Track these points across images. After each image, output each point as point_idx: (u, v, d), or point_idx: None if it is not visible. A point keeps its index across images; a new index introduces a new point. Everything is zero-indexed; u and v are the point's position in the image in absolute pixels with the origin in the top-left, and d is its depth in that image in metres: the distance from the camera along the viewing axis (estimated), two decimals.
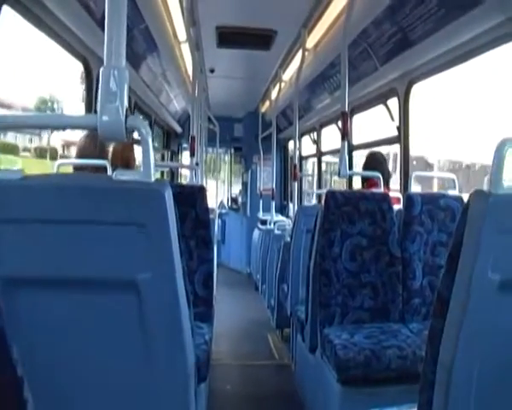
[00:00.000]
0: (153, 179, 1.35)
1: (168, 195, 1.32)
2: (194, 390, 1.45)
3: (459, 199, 3.35)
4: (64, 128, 1.55)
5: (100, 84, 1.33)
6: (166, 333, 1.36)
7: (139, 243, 1.31)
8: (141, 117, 6.72)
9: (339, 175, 3.69)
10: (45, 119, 1.56)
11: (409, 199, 3.35)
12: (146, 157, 1.35)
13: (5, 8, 2.56)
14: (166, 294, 1.34)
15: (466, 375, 1.42)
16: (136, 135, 1.51)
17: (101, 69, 1.33)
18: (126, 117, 1.32)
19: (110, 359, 1.39)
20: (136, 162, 3.01)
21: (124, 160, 2.76)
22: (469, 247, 1.41)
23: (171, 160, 9.54)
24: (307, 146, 8.56)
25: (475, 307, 1.40)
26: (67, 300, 1.36)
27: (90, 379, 1.39)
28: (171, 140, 9.45)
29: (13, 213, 1.32)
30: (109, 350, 1.38)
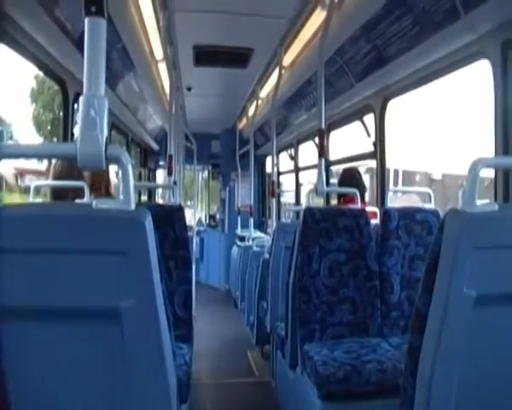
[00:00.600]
0: (133, 207, 1.35)
1: (148, 222, 1.33)
2: None
3: (435, 213, 3.40)
4: (43, 157, 1.54)
5: (79, 113, 1.33)
6: (148, 358, 1.36)
7: (120, 271, 1.31)
8: (118, 136, 6.72)
9: (316, 192, 3.72)
10: (23, 148, 1.55)
11: (385, 214, 3.39)
12: (126, 185, 1.35)
13: None
14: (148, 320, 1.34)
15: (445, 390, 1.44)
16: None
17: (81, 98, 1.33)
18: (106, 146, 1.32)
19: (93, 385, 1.38)
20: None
21: (105, 182, 2.77)
22: (445, 264, 1.44)
23: (149, 177, 9.52)
24: (286, 162, 8.60)
25: (452, 323, 1.42)
26: (49, 329, 1.35)
27: (74, 406, 1.38)
28: (148, 158, 9.43)
29: None
30: (92, 377, 1.38)
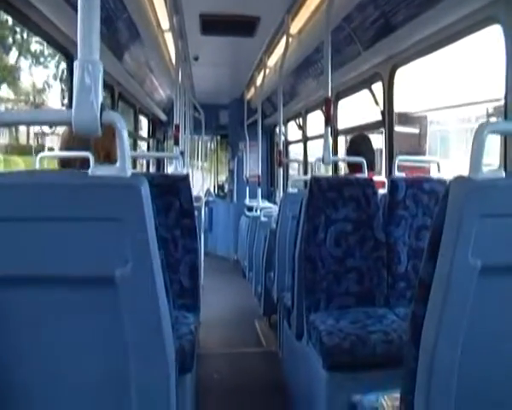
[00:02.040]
0: (129, 173, 1.33)
1: (145, 189, 1.31)
2: (176, 383, 1.44)
3: (443, 183, 3.35)
4: (39, 124, 1.53)
5: (74, 79, 1.31)
6: (145, 326, 1.35)
7: (116, 239, 1.30)
8: (125, 106, 6.70)
9: (323, 161, 3.69)
10: (20, 115, 1.54)
11: (393, 183, 3.35)
12: (122, 151, 1.33)
13: None
14: (145, 289, 1.33)
15: (448, 361, 1.42)
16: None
17: (75, 63, 1.31)
18: (102, 111, 1.30)
19: (88, 354, 1.38)
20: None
21: (104, 150, 2.74)
22: (449, 233, 1.41)
23: (157, 148, 9.52)
24: (295, 131, 8.54)
25: (456, 293, 1.40)
26: (45, 297, 1.35)
27: (68, 374, 1.38)
28: (156, 129, 9.43)
29: None
30: (87, 345, 1.38)
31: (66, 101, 4.00)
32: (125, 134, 1.33)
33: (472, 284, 1.40)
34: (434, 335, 1.42)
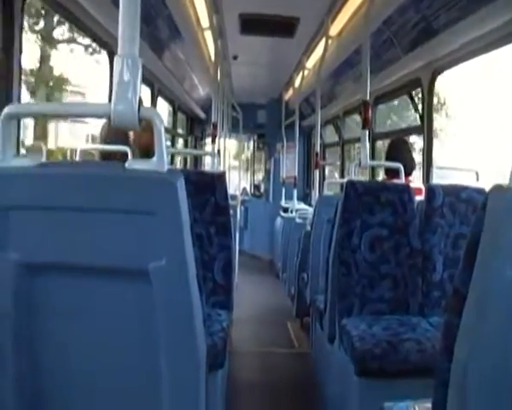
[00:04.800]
0: (166, 168, 1.35)
1: (180, 184, 1.32)
2: (206, 379, 1.45)
3: (482, 192, 3.29)
4: (78, 116, 1.57)
5: (114, 74, 1.34)
6: (177, 321, 1.36)
7: (151, 232, 1.32)
8: (164, 103, 6.77)
9: (359, 165, 3.66)
10: (62, 107, 1.58)
11: (430, 191, 3.30)
12: (159, 147, 1.35)
13: None
14: (178, 283, 1.34)
15: (482, 374, 1.40)
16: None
17: (115, 58, 1.34)
18: (140, 106, 1.32)
19: (120, 345, 1.40)
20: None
21: (144, 145, 2.78)
22: (487, 243, 1.38)
23: (195, 145, 9.59)
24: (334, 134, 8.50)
25: (493, 306, 1.37)
26: (80, 286, 1.38)
27: (99, 364, 1.41)
28: (194, 126, 9.50)
29: (28, 199, 1.34)
30: (119, 337, 1.40)
31: None
32: (163, 130, 1.35)
33: (509, 297, 1.37)
34: (468, 347, 1.40)
